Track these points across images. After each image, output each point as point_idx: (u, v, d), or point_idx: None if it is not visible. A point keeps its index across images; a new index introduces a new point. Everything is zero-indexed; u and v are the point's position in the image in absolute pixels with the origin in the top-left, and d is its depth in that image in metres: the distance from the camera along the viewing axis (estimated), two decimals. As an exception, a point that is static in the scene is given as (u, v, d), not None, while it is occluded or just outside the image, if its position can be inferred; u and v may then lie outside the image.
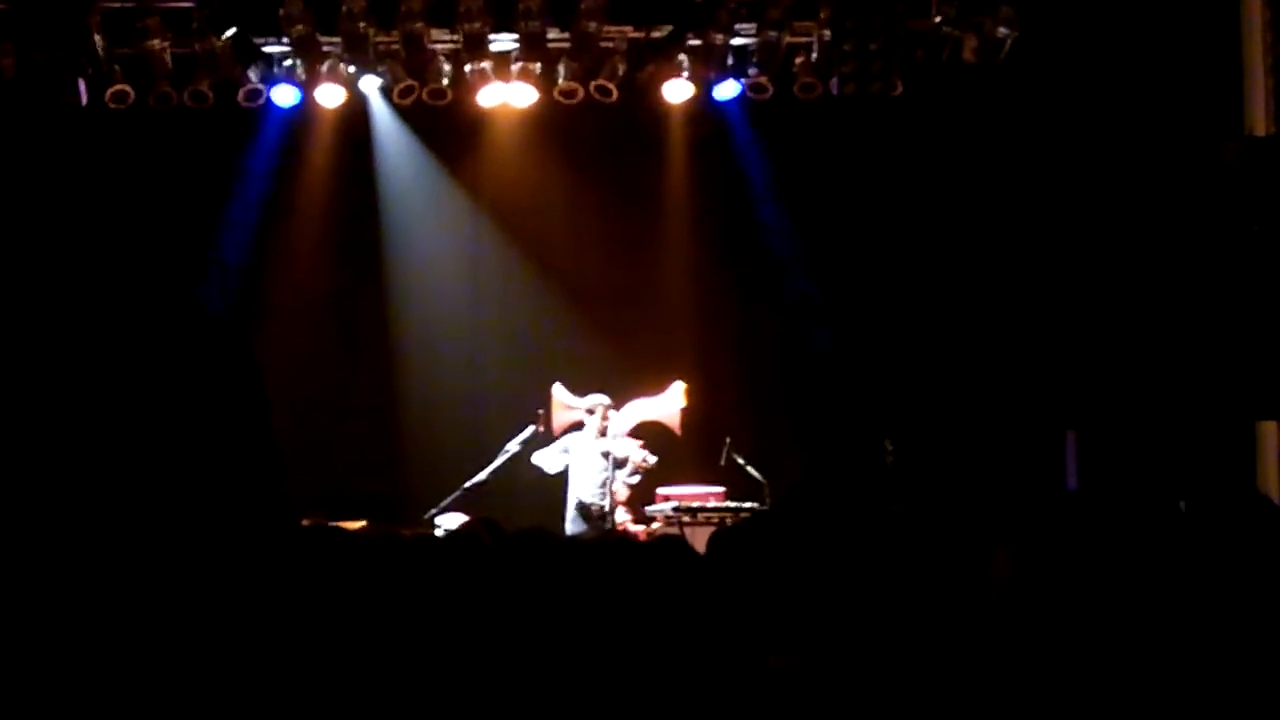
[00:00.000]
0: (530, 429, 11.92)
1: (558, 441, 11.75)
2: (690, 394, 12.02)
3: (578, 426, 12.06)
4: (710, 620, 3.35)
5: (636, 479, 11.81)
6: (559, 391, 12.18)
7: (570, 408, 12.17)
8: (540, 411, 11.98)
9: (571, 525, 11.64)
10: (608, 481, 11.58)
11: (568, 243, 13.44)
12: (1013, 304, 12.45)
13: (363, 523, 6.59)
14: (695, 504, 11.54)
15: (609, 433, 11.80)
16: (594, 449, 11.63)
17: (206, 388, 2.32)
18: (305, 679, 2.62)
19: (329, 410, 12.79)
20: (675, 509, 11.57)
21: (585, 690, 3.03)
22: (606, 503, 11.71)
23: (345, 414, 12.99)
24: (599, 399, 11.75)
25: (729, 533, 4.07)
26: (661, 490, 11.86)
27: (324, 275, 13.25)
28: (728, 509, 11.47)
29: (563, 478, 11.75)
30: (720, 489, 11.80)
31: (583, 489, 11.63)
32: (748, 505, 11.62)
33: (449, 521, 10.83)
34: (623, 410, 11.91)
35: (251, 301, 12.82)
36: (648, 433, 12.03)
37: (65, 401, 2.28)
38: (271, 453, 2.39)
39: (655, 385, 12.13)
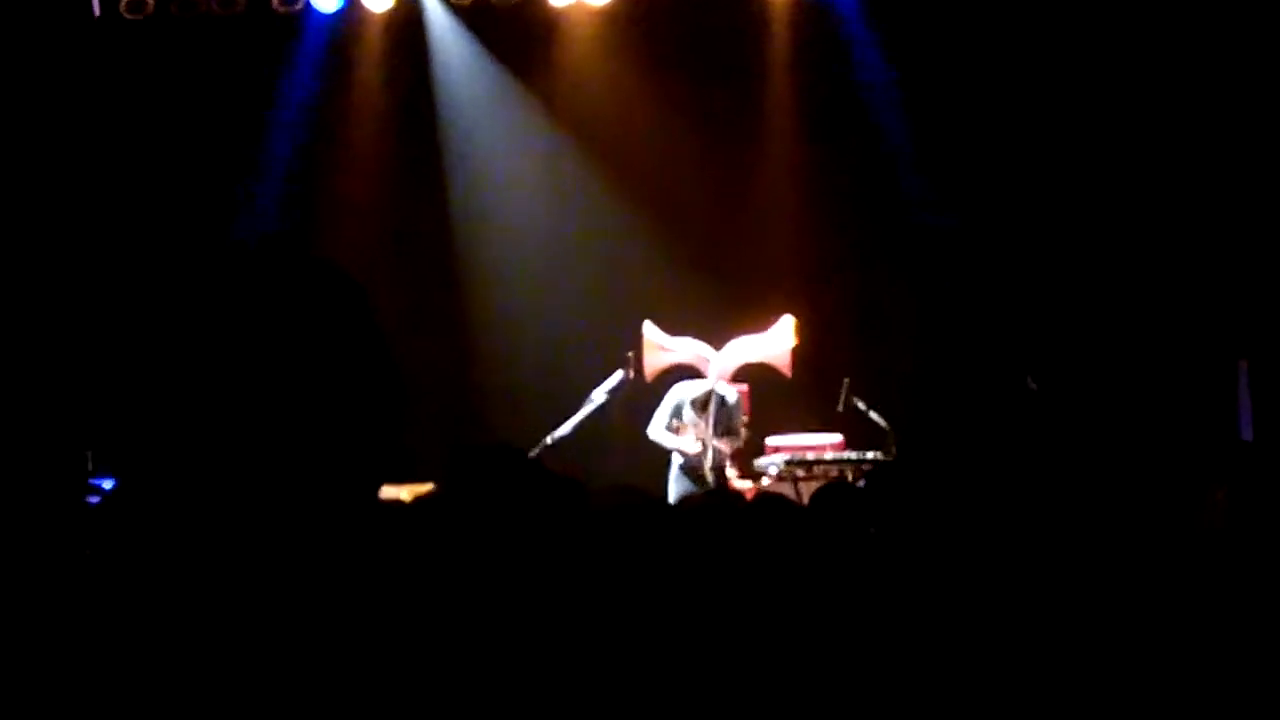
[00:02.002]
0: (619, 375, 10.63)
1: (665, 404, 10.47)
2: (801, 330, 10.95)
3: (683, 372, 10.84)
4: (820, 588, 3.34)
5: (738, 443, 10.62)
6: (651, 330, 10.94)
7: (664, 348, 10.90)
8: (630, 354, 10.74)
9: (675, 485, 10.47)
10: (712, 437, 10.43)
11: (657, 159, 11.86)
12: (1171, 217, 11.21)
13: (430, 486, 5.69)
14: (810, 455, 10.55)
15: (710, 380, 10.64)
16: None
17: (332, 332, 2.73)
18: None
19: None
20: (788, 462, 10.54)
21: (686, 659, 3.04)
22: (711, 458, 10.44)
23: (410, 359, 11.41)
24: (699, 349, 10.77)
25: (840, 489, 4.20)
26: (771, 440, 10.84)
27: (380, 201, 11.89)
28: (847, 460, 10.44)
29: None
30: (838, 438, 10.79)
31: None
32: (870, 456, 10.43)
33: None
34: (724, 351, 10.80)
35: (299, 233, 11.35)
36: (755, 376, 11.00)
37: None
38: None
39: (761, 321, 11.00)
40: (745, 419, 10.56)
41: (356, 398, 2.47)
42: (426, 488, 5.32)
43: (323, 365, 2.43)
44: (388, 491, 4.39)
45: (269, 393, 2.35)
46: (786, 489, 9.98)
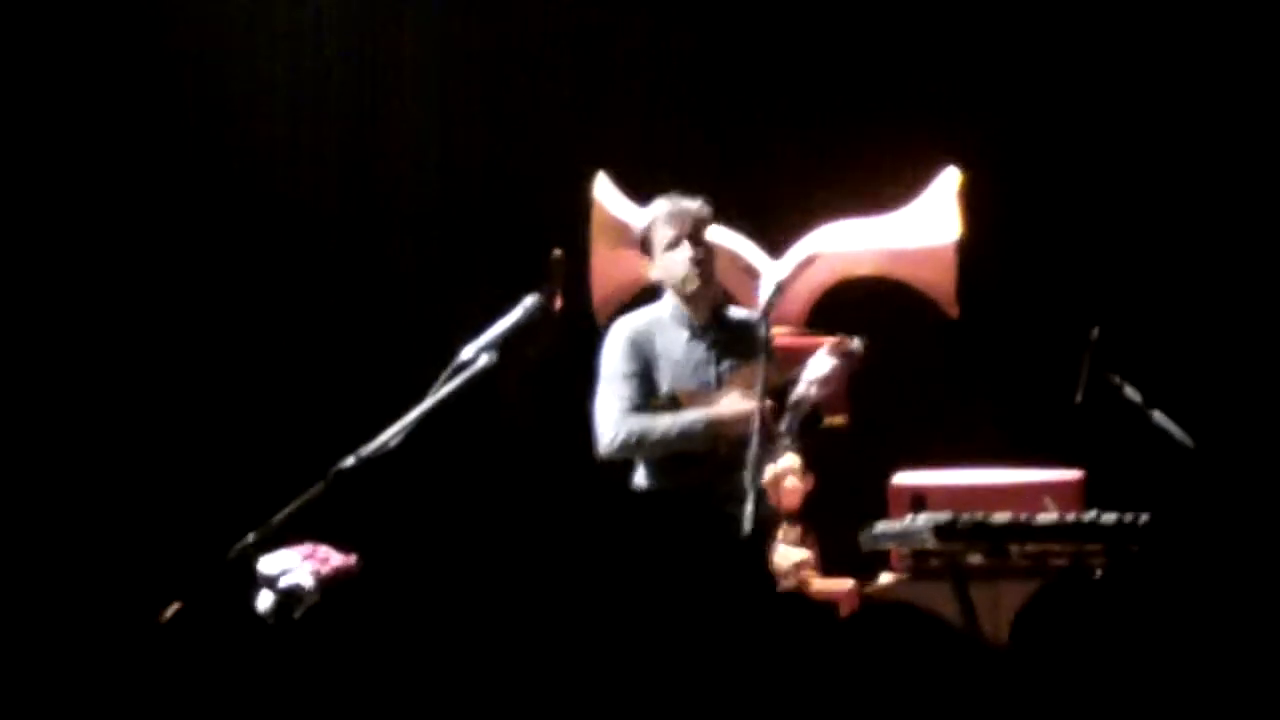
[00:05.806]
0: (526, 305, 5.46)
1: (612, 351, 5.82)
2: (977, 199, 6.20)
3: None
4: None
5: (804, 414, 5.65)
6: (606, 190, 6.11)
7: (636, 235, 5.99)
8: (556, 254, 5.55)
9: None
10: (759, 446, 5.50)
11: None
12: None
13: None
14: (998, 518, 5.41)
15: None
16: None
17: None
18: None
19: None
20: (944, 530, 5.37)
21: None
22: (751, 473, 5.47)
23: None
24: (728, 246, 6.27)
25: (1075, 603, 3.12)
26: (901, 477, 5.85)
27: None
28: (1089, 529, 5.36)
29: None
30: (1073, 475, 5.90)
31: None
32: (1131, 519, 5.36)
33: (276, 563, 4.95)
34: (792, 256, 6.25)
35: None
36: (861, 313, 6.11)
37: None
38: None
39: (889, 179, 6.37)
40: (801, 409, 5.59)
41: None
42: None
43: None
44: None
45: None
46: (937, 597, 5.30)
